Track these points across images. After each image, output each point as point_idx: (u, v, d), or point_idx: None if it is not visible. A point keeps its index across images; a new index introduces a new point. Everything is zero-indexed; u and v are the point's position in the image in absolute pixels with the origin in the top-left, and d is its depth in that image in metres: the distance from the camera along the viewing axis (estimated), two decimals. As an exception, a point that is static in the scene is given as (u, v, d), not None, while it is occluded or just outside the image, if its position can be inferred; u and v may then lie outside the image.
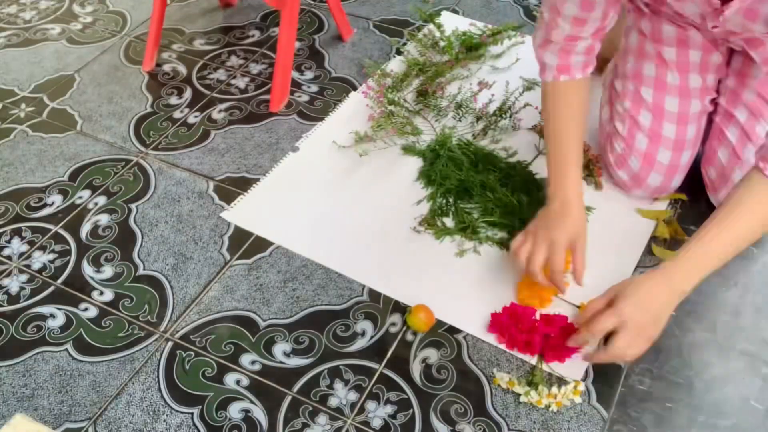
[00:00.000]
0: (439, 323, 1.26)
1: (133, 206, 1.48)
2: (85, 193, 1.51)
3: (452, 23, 1.88)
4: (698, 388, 1.17)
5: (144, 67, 1.81)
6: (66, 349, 1.24)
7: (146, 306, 1.30)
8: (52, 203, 1.49)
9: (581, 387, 1.15)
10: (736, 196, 1.10)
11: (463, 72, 1.74)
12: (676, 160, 1.37)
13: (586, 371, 1.19)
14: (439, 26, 1.82)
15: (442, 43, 1.79)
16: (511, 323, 1.21)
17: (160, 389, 1.18)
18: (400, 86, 1.67)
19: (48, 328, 1.27)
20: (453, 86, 1.69)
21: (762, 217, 1.10)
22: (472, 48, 1.78)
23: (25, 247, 1.41)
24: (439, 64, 1.73)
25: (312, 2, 2.03)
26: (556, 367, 1.19)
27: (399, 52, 1.82)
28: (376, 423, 1.14)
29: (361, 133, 1.58)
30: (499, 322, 1.22)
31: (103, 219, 1.45)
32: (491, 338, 1.23)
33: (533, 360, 1.20)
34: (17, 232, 1.44)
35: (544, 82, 1.31)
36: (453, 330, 1.25)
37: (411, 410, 1.15)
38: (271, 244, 1.40)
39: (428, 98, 1.64)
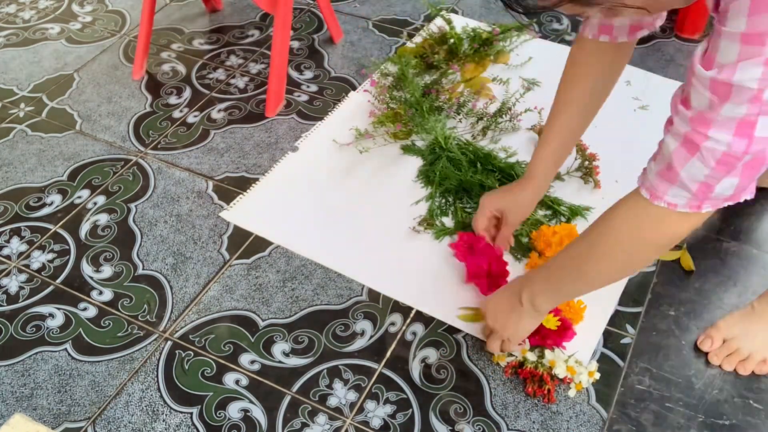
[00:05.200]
0: (438, 323, 1.26)
1: (132, 206, 1.48)
2: (84, 193, 1.51)
3: (458, 23, 1.88)
4: (697, 387, 1.17)
5: (134, 75, 1.79)
6: (65, 349, 1.24)
7: (145, 306, 1.30)
8: (51, 203, 1.49)
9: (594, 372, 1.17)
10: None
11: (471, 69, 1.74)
12: None
13: (593, 353, 1.19)
14: (449, 22, 1.81)
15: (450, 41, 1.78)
16: (471, 253, 1.28)
17: (159, 389, 1.18)
18: (401, 85, 1.67)
19: (47, 328, 1.27)
20: (452, 87, 1.69)
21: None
22: (482, 45, 1.77)
23: (24, 247, 1.41)
24: (444, 62, 1.72)
25: (312, 2, 2.03)
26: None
27: (398, 52, 1.82)
28: (376, 423, 1.14)
29: (362, 129, 1.58)
30: (462, 252, 1.29)
31: (102, 218, 1.45)
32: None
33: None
34: (16, 232, 1.44)
35: (578, 38, 1.15)
36: (452, 330, 1.25)
37: (410, 410, 1.15)
38: (271, 243, 1.40)
39: (430, 98, 1.63)
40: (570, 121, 1.20)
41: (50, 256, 1.39)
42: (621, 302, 1.29)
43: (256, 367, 1.21)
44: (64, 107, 1.72)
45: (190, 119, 1.68)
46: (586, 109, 1.20)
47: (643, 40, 1.85)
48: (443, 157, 1.51)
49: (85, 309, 1.30)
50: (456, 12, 1.96)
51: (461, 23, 1.88)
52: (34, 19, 2.00)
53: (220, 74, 1.80)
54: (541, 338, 1.18)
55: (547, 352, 1.16)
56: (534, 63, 1.78)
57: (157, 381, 1.19)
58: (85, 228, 1.44)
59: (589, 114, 1.21)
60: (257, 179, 1.52)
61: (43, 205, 1.48)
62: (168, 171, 1.55)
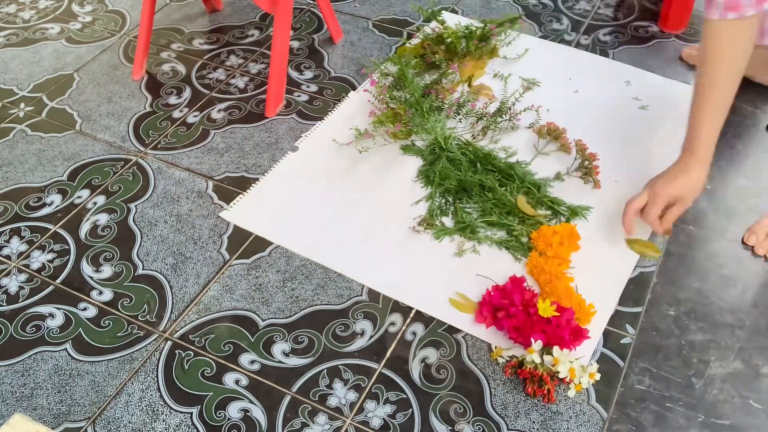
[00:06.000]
0: (438, 323, 1.26)
1: (132, 206, 1.48)
2: (84, 193, 1.51)
3: (452, 23, 1.88)
4: (697, 387, 1.17)
5: (134, 75, 1.80)
6: (65, 349, 1.24)
7: (145, 306, 1.30)
8: (51, 203, 1.49)
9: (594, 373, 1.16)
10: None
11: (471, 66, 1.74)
12: None
13: (594, 352, 1.19)
14: (442, 23, 1.81)
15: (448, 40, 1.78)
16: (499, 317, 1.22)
17: (159, 389, 1.18)
18: (401, 85, 1.67)
19: (47, 328, 1.27)
20: (453, 86, 1.69)
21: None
22: (480, 41, 1.77)
23: (24, 247, 1.41)
24: (444, 61, 1.73)
25: (312, 1, 2.03)
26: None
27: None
28: (376, 423, 1.14)
29: (362, 129, 1.58)
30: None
31: (102, 218, 1.45)
32: (491, 337, 1.23)
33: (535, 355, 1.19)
34: (16, 232, 1.44)
35: (707, 21, 1.24)
36: (452, 330, 1.25)
37: (410, 410, 1.15)
38: (270, 243, 1.40)
39: (430, 98, 1.63)
40: (723, 95, 1.27)
41: (50, 256, 1.39)
42: (621, 302, 1.29)
43: (256, 367, 1.21)
44: (64, 107, 1.72)
45: (190, 119, 1.68)
46: (734, 84, 1.27)
47: (643, 40, 1.85)
48: (443, 157, 1.51)
49: (85, 309, 1.30)
50: (456, 12, 1.96)
51: (454, 22, 1.88)
52: (34, 19, 2.00)
53: (220, 74, 1.80)
54: (558, 340, 1.17)
55: (555, 349, 1.16)
56: (532, 60, 1.78)
57: (157, 381, 1.19)
58: (85, 228, 1.44)
59: (735, 87, 1.28)
60: (257, 179, 1.52)
61: (43, 205, 1.48)
62: (168, 171, 1.55)
